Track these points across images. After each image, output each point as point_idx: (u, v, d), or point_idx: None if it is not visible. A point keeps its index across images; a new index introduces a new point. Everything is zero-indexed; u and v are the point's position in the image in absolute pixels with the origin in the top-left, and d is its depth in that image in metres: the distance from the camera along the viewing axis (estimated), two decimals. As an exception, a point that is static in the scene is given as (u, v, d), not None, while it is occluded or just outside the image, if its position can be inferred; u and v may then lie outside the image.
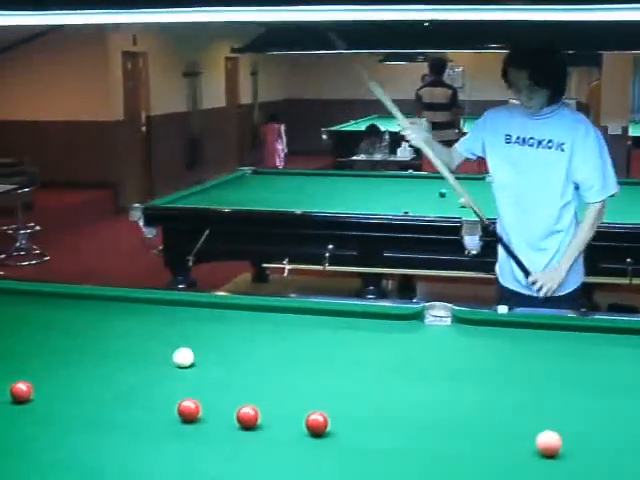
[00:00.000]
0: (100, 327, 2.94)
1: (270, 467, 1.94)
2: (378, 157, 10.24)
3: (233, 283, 7.04)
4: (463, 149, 3.80)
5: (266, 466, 1.94)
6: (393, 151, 10.27)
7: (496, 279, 3.77)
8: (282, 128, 13.58)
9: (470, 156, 3.78)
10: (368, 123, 12.45)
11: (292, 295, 3.22)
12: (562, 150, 3.43)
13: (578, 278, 3.60)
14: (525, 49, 3.49)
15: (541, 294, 3.46)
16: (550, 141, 3.45)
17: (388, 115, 12.70)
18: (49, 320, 3.02)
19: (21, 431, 2.13)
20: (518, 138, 3.51)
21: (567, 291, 3.54)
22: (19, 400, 2.26)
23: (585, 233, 3.48)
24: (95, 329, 2.93)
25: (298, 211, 5.12)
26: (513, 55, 3.46)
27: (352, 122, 13.11)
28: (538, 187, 3.49)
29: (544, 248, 3.52)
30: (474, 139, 3.74)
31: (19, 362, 2.59)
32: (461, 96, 12.75)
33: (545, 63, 3.41)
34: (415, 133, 3.60)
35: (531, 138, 3.49)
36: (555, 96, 3.46)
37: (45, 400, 2.29)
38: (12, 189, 8.19)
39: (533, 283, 3.48)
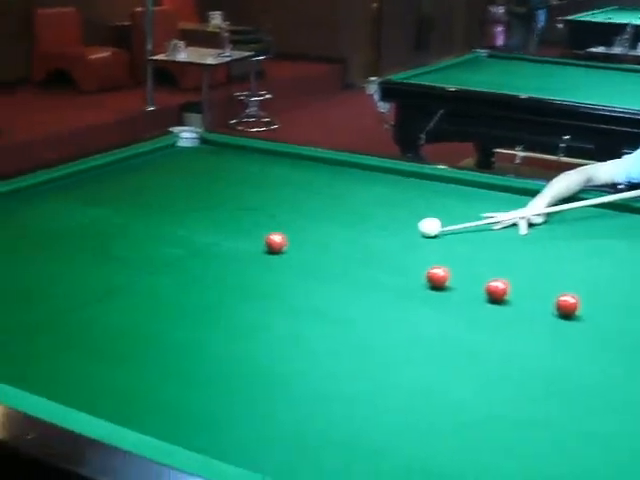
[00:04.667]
0: (349, 192, 3.01)
1: (516, 341, 1.94)
2: (617, 50, 9.72)
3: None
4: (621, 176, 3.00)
5: (512, 339, 1.95)
6: (634, 45, 9.72)
7: None
8: None
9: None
10: (606, 15, 11.84)
11: (539, 179, 3.12)
12: None
13: None
14: None
15: None
16: None
17: (630, 6, 11.82)
18: (300, 180, 3.13)
19: (275, 279, 2.24)
20: None
21: None
22: (273, 250, 2.36)
23: None
24: (345, 193, 3.00)
25: (536, 96, 4.98)
26: None
27: (589, 12, 12.46)
28: None
29: None
30: None
31: (273, 216, 2.70)
32: None
33: None
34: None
35: None
36: None
37: (297, 252, 2.38)
38: (248, 56, 8.38)
39: None
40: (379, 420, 1.59)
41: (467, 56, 6.81)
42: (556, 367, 1.83)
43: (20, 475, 1.43)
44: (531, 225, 2.67)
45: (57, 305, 2.04)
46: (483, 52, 6.86)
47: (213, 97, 8.10)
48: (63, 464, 1.37)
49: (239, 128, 8.41)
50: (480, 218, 2.65)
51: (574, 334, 1.98)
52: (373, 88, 5.23)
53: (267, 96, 8.81)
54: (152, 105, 8.17)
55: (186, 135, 3.45)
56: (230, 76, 9.34)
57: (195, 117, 7.68)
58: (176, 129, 3.52)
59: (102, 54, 8.96)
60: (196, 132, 3.49)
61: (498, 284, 2.10)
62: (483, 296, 2.10)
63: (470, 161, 7.21)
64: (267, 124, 8.63)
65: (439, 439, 1.53)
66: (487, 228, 2.63)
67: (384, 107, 5.28)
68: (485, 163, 6.98)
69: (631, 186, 3.00)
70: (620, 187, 3.03)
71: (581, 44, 10.33)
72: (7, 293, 2.11)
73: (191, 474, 1.32)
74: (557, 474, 1.45)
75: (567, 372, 1.81)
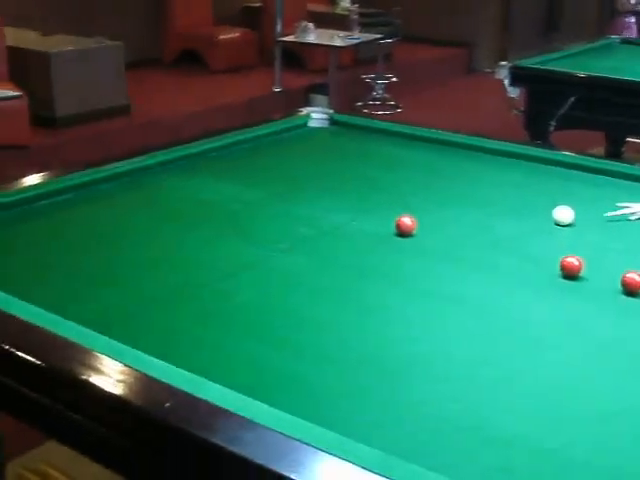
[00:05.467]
0: (477, 176, 2.98)
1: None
2: None
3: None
4: None
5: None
6: None
7: None
8: None
9: None
10: None
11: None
12: None
13: None
14: None
15: None
16: None
17: None
18: (428, 163, 3.12)
19: (404, 261, 2.24)
20: None
21: None
22: (403, 233, 2.36)
23: None
24: (473, 177, 2.98)
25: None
26: None
27: None
28: None
29: None
30: None
31: (402, 197, 2.70)
32: None
33: None
34: None
35: None
36: None
37: (427, 235, 2.38)
38: (376, 39, 8.36)
39: None
40: (510, 406, 1.58)
41: (600, 42, 6.63)
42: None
43: (157, 440, 1.48)
44: None
45: (192, 278, 2.09)
46: (616, 38, 6.67)
47: (339, 79, 8.12)
48: (197, 431, 1.40)
49: (364, 111, 8.41)
50: (613, 208, 2.58)
51: None
52: (503, 73, 5.15)
53: (393, 79, 8.78)
54: (279, 86, 8.25)
55: (316, 115, 3.48)
56: (356, 59, 9.34)
57: (321, 98, 7.72)
58: (306, 109, 3.55)
59: (232, 35, 9.10)
60: (326, 113, 3.51)
61: (634, 276, 2.04)
62: (618, 288, 2.05)
63: (600, 150, 7.04)
64: (392, 107, 8.60)
65: (572, 428, 1.51)
66: (623, 218, 2.56)
67: (514, 92, 5.20)
68: (615, 152, 6.80)
69: None
70: None
71: None
72: (145, 264, 2.17)
73: (325, 452, 1.33)
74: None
75: None
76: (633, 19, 12.00)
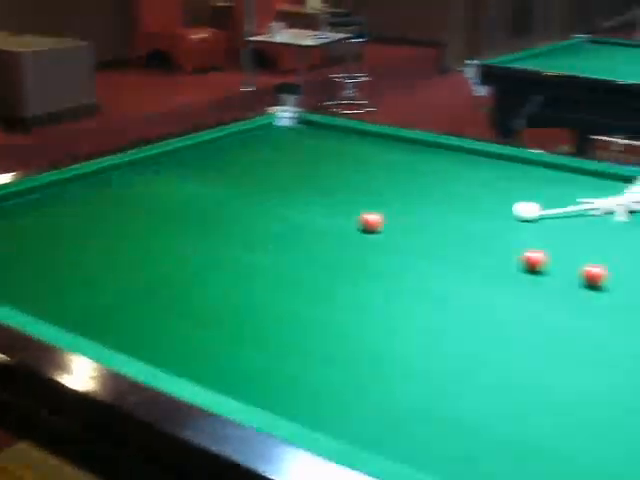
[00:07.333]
0: (446, 174, 3.01)
1: (611, 327, 1.91)
2: None
3: (553, 154, 6.87)
4: None
5: (607, 326, 1.92)
6: None
7: None
8: None
9: None
10: None
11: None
12: None
13: None
14: None
15: None
16: None
17: None
18: (396, 161, 3.14)
19: (370, 257, 2.26)
20: None
21: None
22: (369, 229, 2.38)
23: None
24: (442, 175, 3.00)
25: (635, 82, 4.86)
26: None
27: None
28: None
29: None
30: None
31: (371, 195, 2.73)
32: None
33: None
34: None
35: None
36: None
37: (394, 232, 2.40)
38: (344, 38, 8.40)
39: None
40: (471, 398, 1.60)
41: (567, 42, 6.69)
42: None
43: (120, 434, 1.49)
44: (630, 212, 2.63)
45: (160, 276, 2.10)
46: (584, 38, 6.74)
47: (310, 79, 8.14)
48: (159, 424, 1.41)
49: (333, 110, 8.44)
50: (577, 204, 2.62)
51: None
52: (471, 72, 5.19)
53: (362, 78, 8.81)
54: (249, 86, 8.26)
55: (284, 114, 3.49)
56: (325, 58, 9.37)
57: (290, 98, 7.73)
58: (273, 108, 3.57)
59: (201, 35, 9.09)
60: (294, 112, 3.53)
61: (594, 269, 2.08)
62: (579, 281, 2.08)
63: (565, 147, 7.09)
64: (362, 106, 8.63)
65: (531, 419, 1.54)
66: (585, 214, 2.59)
67: (481, 91, 5.24)
68: (584, 150, 6.86)
69: None
70: None
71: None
72: (113, 263, 2.18)
73: (289, 444, 1.35)
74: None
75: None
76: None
